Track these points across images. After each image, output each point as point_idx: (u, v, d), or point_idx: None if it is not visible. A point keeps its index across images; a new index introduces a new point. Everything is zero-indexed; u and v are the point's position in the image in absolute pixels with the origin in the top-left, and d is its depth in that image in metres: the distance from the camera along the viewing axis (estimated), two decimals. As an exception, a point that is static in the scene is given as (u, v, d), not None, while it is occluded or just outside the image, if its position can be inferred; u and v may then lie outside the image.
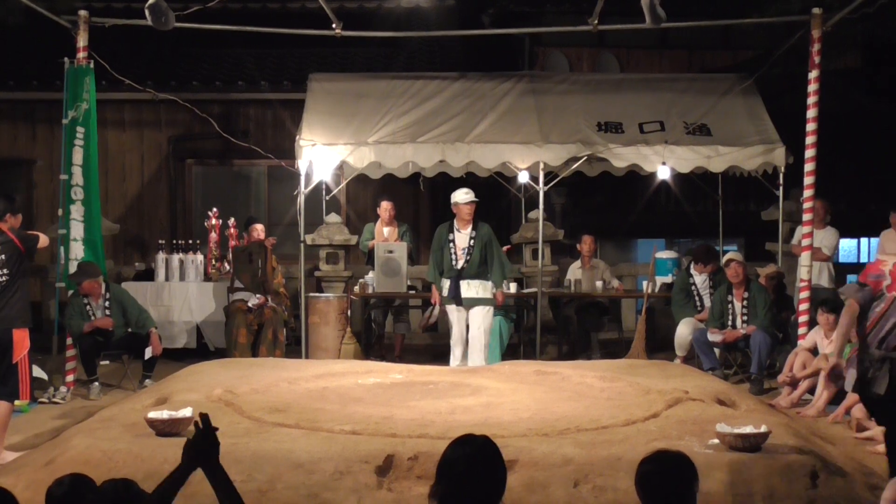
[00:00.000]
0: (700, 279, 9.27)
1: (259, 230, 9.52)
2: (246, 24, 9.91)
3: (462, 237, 8.65)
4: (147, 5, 7.91)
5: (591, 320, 10.01)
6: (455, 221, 8.69)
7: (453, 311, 8.69)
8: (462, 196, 8.61)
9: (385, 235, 9.93)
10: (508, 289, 9.11)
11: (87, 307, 8.41)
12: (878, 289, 4.75)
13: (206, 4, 8.75)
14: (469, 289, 8.61)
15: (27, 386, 6.18)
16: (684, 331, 8.97)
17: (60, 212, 8.30)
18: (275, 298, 9.33)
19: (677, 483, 3.10)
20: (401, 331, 10.04)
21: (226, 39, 12.44)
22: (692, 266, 9.34)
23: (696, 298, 9.26)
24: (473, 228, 8.64)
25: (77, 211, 8.23)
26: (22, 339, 6.11)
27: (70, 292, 8.33)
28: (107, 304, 8.50)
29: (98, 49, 8.55)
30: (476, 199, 8.62)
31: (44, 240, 6.49)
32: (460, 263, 8.59)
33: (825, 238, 9.05)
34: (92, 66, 8.31)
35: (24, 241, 6.25)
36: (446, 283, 8.66)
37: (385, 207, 10.02)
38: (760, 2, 9.93)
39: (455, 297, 8.62)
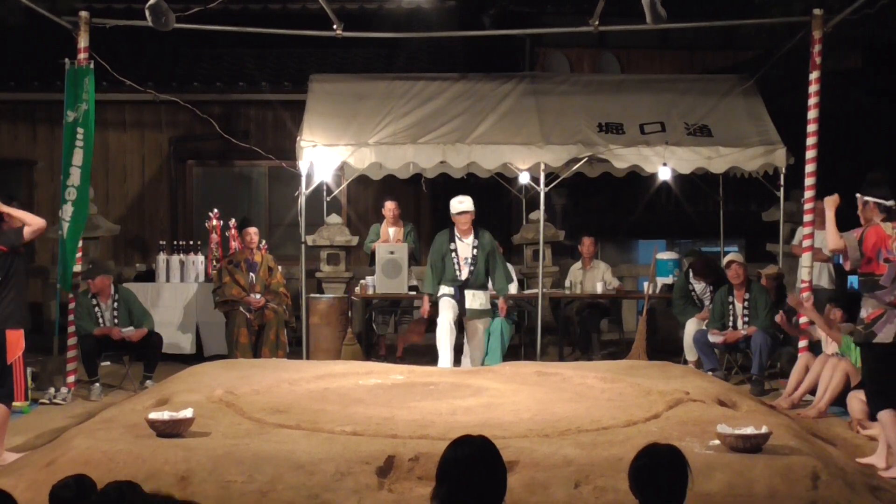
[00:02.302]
0: (700, 286, 9.28)
1: (252, 234, 9.43)
2: (246, 25, 9.91)
3: (464, 246, 8.54)
4: (147, 6, 7.91)
5: (592, 321, 10.01)
6: (455, 230, 8.61)
7: (446, 303, 8.51)
8: (455, 206, 8.51)
9: (391, 236, 9.92)
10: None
11: (96, 308, 8.45)
12: None
13: (206, 5, 8.75)
14: (474, 300, 8.55)
15: (22, 388, 6.12)
16: (693, 332, 8.96)
17: (62, 213, 8.30)
18: (275, 298, 9.32)
19: (669, 474, 3.16)
20: (404, 332, 10.03)
21: (226, 40, 12.44)
22: (691, 273, 9.35)
23: (696, 301, 9.27)
24: (475, 237, 8.55)
25: (67, 212, 8.15)
26: (16, 341, 6.04)
27: (70, 294, 8.31)
28: (115, 304, 8.53)
29: (99, 50, 8.54)
30: (468, 210, 8.44)
31: (33, 223, 6.11)
32: (464, 274, 8.51)
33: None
34: (92, 66, 8.31)
35: (6, 239, 6.07)
36: (448, 290, 8.55)
37: (389, 207, 10.01)
38: (761, 2, 9.93)
39: (458, 304, 8.53)
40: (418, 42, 13.47)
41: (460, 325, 8.73)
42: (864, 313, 5.83)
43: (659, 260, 9.95)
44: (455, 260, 8.52)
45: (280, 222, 12.55)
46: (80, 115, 8.16)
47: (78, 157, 8.16)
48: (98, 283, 8.43)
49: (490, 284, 8.71)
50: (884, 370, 5.85)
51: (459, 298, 8.52)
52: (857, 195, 6.00)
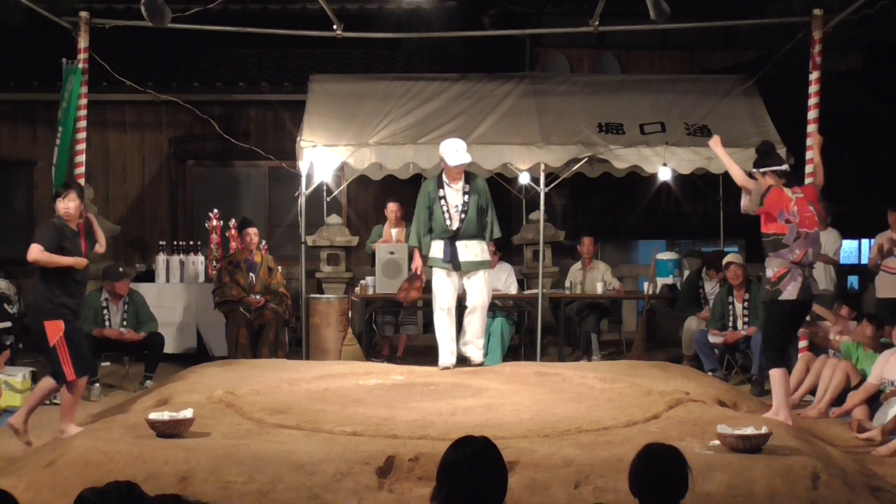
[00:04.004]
0: (710, 284, 9.30)
1: (252, 234, 9.39)
2: (247, 26, 9.91)
3: (454, 193, 7.86)
4: (142, 2, 7.89)
5: (592, 322, 10.02)
6: (443, 176, 7.95)
7: (441, 275, 7.95)
8: (452, 156, 7.78)
9: (393, 237, 9.92)
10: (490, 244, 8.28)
11: (105, 310, 8.47)
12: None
13: (206, 6, 8.75)
14: (467, 251, 7.90)
15: (70, 366, 6.13)
16: (692, 328, 9.02)
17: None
18: (275, 299, 9.31)
19: (668, 474, 3.20)
20: (414, 331, 10.01)
21: (226, 40, 12.46)
22: (705, 270, 9.36)
23: (703, 299, 9.30)
24: (466, 182, 7.89)
25: None
26: (54, 329, 6.10)
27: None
28: (126, 307, 8.53)
29: (99, 50, 8.54)
30: (462, 163, 7.82)
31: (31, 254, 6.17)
32: (455, 223, 7.83)
33: (827, 241, 9.04)
34: (77, 65, 8.30)
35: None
36: (438, 245, 7.94)
37: (392, 209, 9.98)
38: (761, 3, 9.93)
39: (451, 261, 7.89)
40: (418, 42, 13.48)
41: (460, 309, 8.25)
42: (769, 273, 6.23)
43: (659, 260, 9.96)
44: (444, 208, 7.83)
45: (280, 223, 12.54)
46: (61, 114, 8.22)
47: (55, 156, 8.22)
48: (121, 286, 8.48)
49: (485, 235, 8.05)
50: (784, 328, 6.45)
51: (452, 252, 7.91)
52: (754, 170, 6.44)
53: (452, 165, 7.81)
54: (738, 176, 6.54)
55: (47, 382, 6.27)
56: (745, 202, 6.50)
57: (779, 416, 6.19)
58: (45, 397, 6.39)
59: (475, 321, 8.08)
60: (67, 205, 6.22)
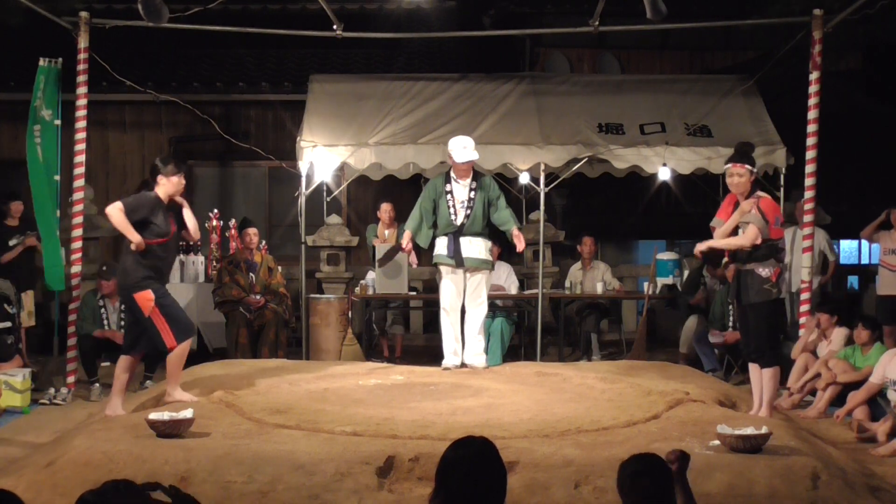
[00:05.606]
0: (711, 280, 9.34)
1: (252, 234, 9.38)
2: (247, 26, 9.92)
3: (461, 189, 7.88)
4: (140, 0, 7.89)
5: (592, 322, 10.02)
6: (451, 172, 7.99)
7: (448, 274, 7.97)
8: (459, 153, 7.76)
9: (386, 237, 9.95)
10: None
11: (102, 310, 8.46)
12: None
13: (206, 6, 8.76)
14: (471, 246, 7.88)
15: (169, 334, 6.27)
16: (691, 327, 9.06)
17: (59, 213, 8.35)
18: (275, 299, 9.31)
19: (652, 483, 3.22)
20: (401, 331, 10.02)
21: (226, 40, 12.46)
22: (706, 267, 9.39)
23: (702, 286, 9.39)
24: (474, 179, 7.92)
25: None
26: (144, 300, 6.24)
27: (74, 294, 8.34)
28: (122, 307, 8.52)
29: (99, 50, 8.55)
30: (469, 160, 7.80)
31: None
32: (460, 218, 7.84)
33: (819, 240, 9.03)
34: (45, 63, 8.43)
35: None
36: (443, 242, 7.94)
37: (385, 209, 10.04)
38: (761, 3, 9.93)
39: (454, 256, 7.88)
40: (418, 42, 13.48)
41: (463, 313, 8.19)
42: (765, 273, 6.16)
43: (659, 260, 9.97)
44: (450, 203, 7.85)
45: (280, 223, 12.54)
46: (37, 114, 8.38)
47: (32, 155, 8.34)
48: (112, 284, 8.44)
49: (504, 228, 7.98)
50: (777, 324, 6.57)
51: (455, 247, 7.87)
52: (747, 167, 6.19)
53: (459, 162, 7.84)
54: (741, 241, 6.21)
55: (123, 362, 6.46)
56: (759, 238, 6.14)
57: (762, 411, 6.19)
58: (179, 365, 6.45)
59: (474, 334, 8.05)
60: (182, 181, 6.46)
